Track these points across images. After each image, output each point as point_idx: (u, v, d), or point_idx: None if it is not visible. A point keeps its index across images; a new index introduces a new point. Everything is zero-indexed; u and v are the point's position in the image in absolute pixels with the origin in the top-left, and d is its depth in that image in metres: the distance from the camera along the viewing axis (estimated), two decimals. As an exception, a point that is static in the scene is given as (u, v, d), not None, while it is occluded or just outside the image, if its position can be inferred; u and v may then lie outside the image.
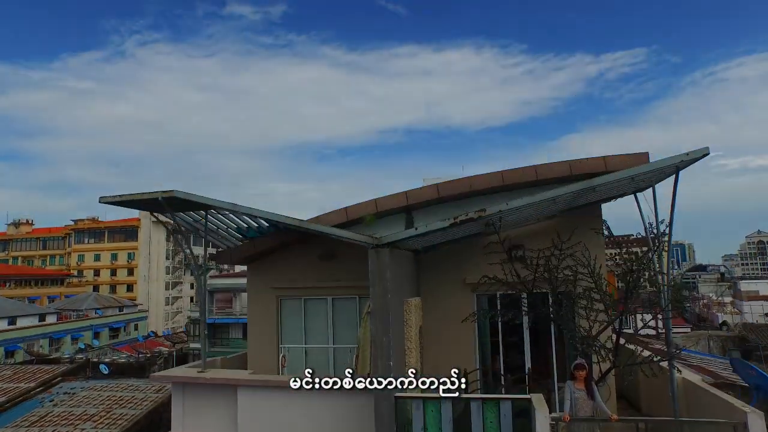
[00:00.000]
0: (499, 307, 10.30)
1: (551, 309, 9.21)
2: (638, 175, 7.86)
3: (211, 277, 56.19)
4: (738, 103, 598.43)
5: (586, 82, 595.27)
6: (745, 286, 78.70)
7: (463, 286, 10.78)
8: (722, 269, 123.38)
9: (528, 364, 10.35)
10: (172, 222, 10.07)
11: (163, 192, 9.27)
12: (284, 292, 11.82)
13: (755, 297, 73.22)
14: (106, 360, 41.17)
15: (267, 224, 10.24)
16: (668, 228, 8.86)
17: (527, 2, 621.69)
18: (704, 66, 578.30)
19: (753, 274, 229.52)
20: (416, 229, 8.03)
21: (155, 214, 10.28)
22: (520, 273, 9.26)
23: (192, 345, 47.63)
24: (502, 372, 10.55)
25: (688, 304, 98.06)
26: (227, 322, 45.68)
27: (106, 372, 36.55)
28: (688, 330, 61.73)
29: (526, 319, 10.07)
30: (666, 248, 9.06)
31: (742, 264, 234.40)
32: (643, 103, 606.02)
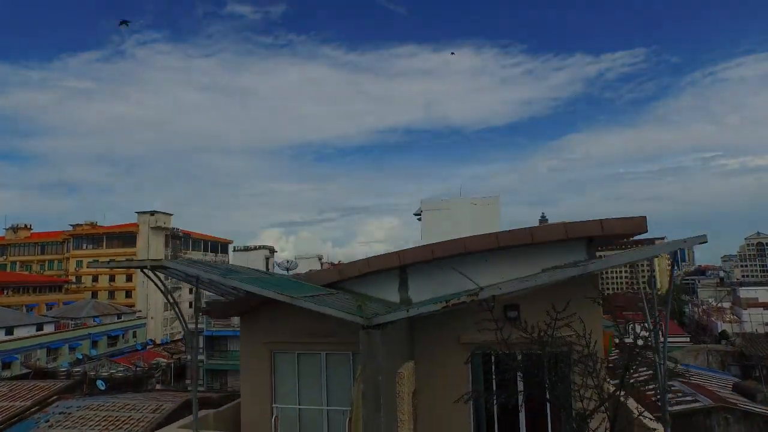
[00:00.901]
0: (494, 368, 10.15)
1: (546, 382, 9.05)
2: (636, 260, 7.72)
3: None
4: (738, 103, 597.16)
5: (586, 82, 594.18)
6: (744, 293, 78.46)
7: (458, 345, 10.63)
8: (721, 273, 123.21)
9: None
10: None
11: (152, 260, 9.15)
12: (277, 346, 11.66)
13: (754, 304, 73.07)
14: (104, 374, 41.04)
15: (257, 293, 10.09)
16: (667, 301, 8.71)
17: (527, 2, 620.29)
18: (704, 66, 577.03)
19: (752, 275, 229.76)
20: (407, 311, 7.87)
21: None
22: (514, 335, 9.11)
23: (191, 357, 47.45)
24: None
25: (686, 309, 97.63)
26: (225, 335, 45.51)
27: (103, 388, 36.41)
28: (687, 339, 61.77)
29: (522, 384, 9.91)
30: (663, 327, 8.88)
31: (742, 265, 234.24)
32: (643, 103, 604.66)
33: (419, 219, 26.79)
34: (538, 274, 7.72)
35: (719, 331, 63.12)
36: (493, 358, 10.46)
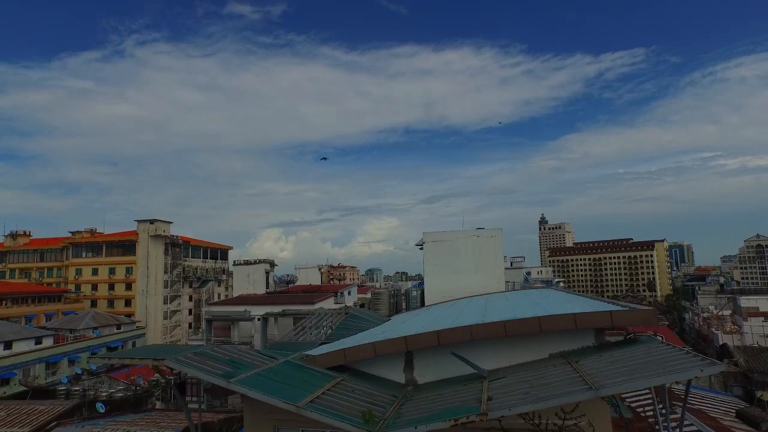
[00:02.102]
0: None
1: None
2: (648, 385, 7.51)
3: (209, 304, 55.96)
4: (737, 103, 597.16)
5: (586, 82, 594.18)
6: (745, 302, 78.20)
7: None
8: (721, 279, 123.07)
9: None
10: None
11: (154, 359, 8.97)
12: (282, 423, 11.47)
13: (755, 313, 72.85)
14: (103, 394, 40.87)
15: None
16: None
17: (527, 2, 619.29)
18: (703, 66, 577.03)
19: (752, 278, 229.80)
20: (416, 427, 7.68)
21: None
22: None
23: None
24: None
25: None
26: (225, 352, 45.30)
27: (102, 410, 36.30)
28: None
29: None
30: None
31: (741, 268, 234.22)
32: (642, 103, 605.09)
33: (421, 249, 26.67)
34: (550, 397, 7.52)
35: (720, 344, 62.96)
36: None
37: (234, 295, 60.36)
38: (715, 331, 69.85)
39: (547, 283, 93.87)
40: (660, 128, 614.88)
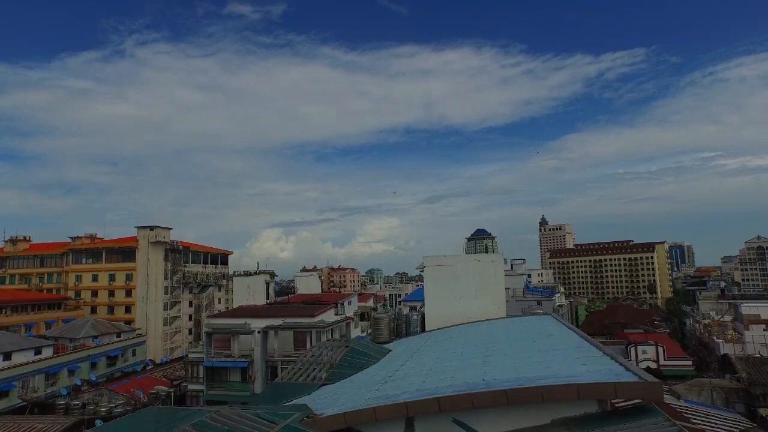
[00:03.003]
0: None
1: None
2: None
3: (209, 316, 55.81)
4: (737, 103, 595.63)
5: (586, 82, 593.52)
6: (746, 309, 77.99)
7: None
8: (722, 284, 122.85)
9: None
10: None
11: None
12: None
13: (757, 321, 72.62)
14: (103, 409, 40.72)
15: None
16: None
17: (527, 2, 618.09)
18: (704, 66, 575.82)
19: (753, 279, 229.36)
20: None
21: None
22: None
23: (190, 386, 47.15)
24: None
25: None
26: (225, 366, 45.18)
27: (101, 428, 36.17)
28: (690, 363, 61.45)
29: None
30: None
31: (742, 269, 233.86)
32: (642, 103, 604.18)
33: (421, 273, 26.48)
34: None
35: (721, 353, 62.78)
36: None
37: (234, 306, 60.22)
38: (716, 340, 69.68)
39: (549, 292, 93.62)
40: (660, 128, 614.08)
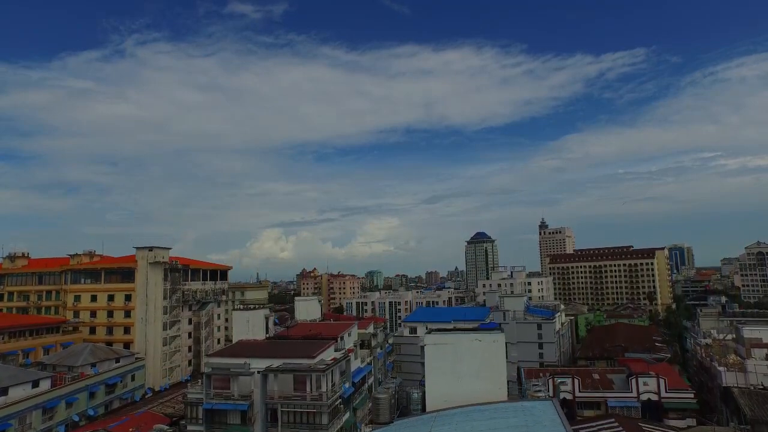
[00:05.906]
0: None
1: None
2: None
3: (208, 355, 55.35)
4: (737, 103, 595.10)
5: (586, 82, 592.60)
6: (748, 332, 77.62)
7: None
8: (723, 299, 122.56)
9: None
10: None
11: None
12: None
13: (759, 344, 72.21)
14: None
15: None
16: None
17: (527, 2, 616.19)
18: (704, 66, 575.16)
19: (752, 284, 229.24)
20: None
21: None
22: None
23: (190, 427, 46.71)
24: None
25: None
26: (225, 408, 44.75)
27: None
28: (692, 396, 60.99)
29: None
30: None
31: (742, 275, 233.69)
32: (643, 103, 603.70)
33: (422, 348, 26.12)
34: None
35: (724, 385, 62.25)
36: None
37: (233, 333, 59.76)
38: (718, 368, 69.21)
39: (549, 312, 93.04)
40: (660, 128, 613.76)
